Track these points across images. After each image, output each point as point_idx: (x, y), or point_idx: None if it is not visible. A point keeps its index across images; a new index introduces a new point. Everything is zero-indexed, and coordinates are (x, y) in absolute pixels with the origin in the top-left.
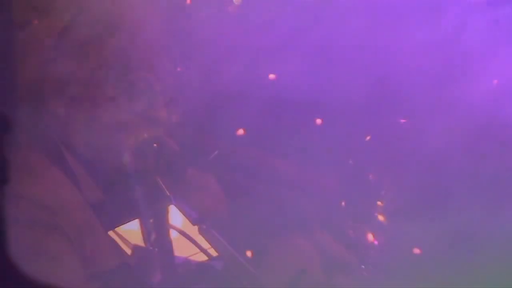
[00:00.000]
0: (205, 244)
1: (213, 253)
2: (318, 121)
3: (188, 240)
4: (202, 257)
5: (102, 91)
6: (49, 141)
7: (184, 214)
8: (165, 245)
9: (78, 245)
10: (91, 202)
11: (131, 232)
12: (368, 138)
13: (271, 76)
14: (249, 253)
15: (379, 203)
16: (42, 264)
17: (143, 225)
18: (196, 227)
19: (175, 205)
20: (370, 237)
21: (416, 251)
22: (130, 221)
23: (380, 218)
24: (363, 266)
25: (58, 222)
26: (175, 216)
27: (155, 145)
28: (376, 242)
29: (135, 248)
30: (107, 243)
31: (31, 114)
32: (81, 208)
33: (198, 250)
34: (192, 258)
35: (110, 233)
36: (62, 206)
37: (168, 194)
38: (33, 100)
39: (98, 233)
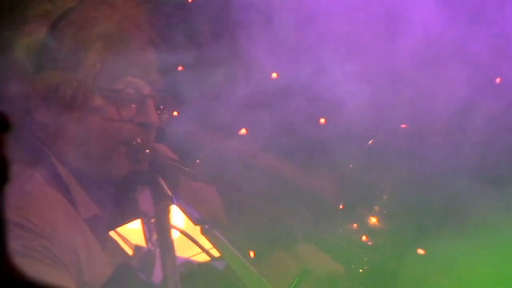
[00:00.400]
0: (207, 245)
1: (215, 253)
2: (322, 120)
3: (190, 241)
4: (204, 258)
5: (92, 98)
6: (40, 157)
7: (186, 214)
8: (167, 246)
9: (74, 271)
10: (88, 218)
11: (132, 232)
12: (371, 142)
13: (274, 75)
14: (251, 254)
15: (376, 207)
16: None
17: (144, 225)
18: (198, 227)
19: (177, 205)
20: (364, 238)
21: (420, 251)
22: (132, 221)
23: (375, 221)
24: (360, 270)
25: (52, 249)
26: (177, 216)
27: (147, 151)
28: (370, 243)
29: (136, 248)
30: (105, 259)
31: (19, 127)
32: (76, 229)
33: (200, 250)
34: (194, 258)
35: (109, 243)
36: (57, 230)
37: (170, 194)
38: (21, 112)
39: (96, 251)
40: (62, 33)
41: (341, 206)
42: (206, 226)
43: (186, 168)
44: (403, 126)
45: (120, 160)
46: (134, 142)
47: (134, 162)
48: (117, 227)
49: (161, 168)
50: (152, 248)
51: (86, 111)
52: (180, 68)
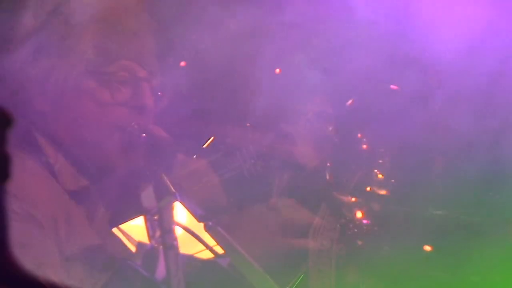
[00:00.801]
0: (210, 242)
1: (219, 250)
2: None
3: (193, 238)
4: (208, 255)
5: (86, 82)
6: (26, 133)
7: (189, 211)
8: (170, 243)
9: (50, 232)
10: (72, 191)
11: (135, 229)
12: (350, 102)
13: (277, 70)
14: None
15: (377, 172)
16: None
17: (147, 222)
18: (201, 224)
19: (180, 202)
20: (360, 213)
21: (427, 248)
22: (135, 218)
23: (378, 188)
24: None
25: (27, 208)
26: (180, 213)
27: (144, 135)
28: (365, 221)
29: (139, 245)
30: (85, 230)
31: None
32: (58, 198)
33: (203, 247)
34: (197, 255)
35: (98, 219)
36: (32, 195)
37: (173, 191)
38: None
39: (78, 224)
40: (54, 19)
41: (328, 177)
42: (210, 223)
43: (184, 153)
44: (393, 86)
45: (115, 145)
46: (130, 128)
47: (129, 148)
48: (121, 223)
49: (156, 148)
50: (155, 245)
51: (79, 95)
52: (182, 63)
